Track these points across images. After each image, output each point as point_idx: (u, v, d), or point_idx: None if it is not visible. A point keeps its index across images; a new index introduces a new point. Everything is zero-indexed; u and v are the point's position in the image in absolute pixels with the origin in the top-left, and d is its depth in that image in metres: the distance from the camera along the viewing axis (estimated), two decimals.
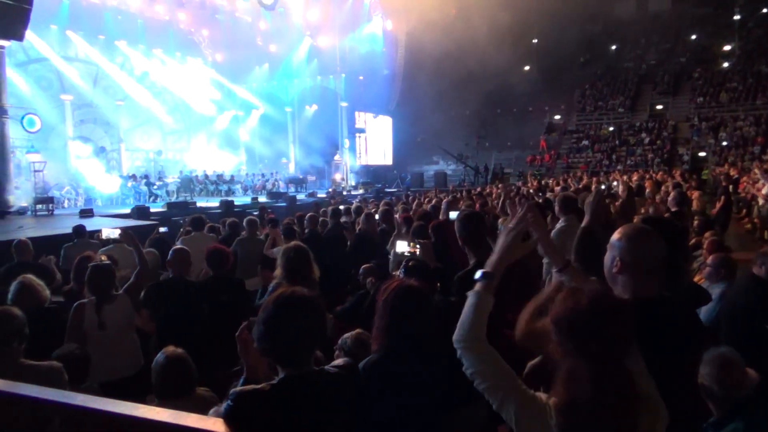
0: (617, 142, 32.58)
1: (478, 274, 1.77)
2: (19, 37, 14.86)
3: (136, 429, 1.77)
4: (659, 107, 34.29)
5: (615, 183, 14.01)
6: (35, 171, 17.82)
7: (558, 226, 4.89)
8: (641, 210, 6.57)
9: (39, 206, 15.63)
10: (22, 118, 18.70)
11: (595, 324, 1.44)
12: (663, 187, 10.86)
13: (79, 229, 7.57)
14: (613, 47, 39.84)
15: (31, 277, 3.98)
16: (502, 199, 7.86)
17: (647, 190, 10.42)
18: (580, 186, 13.17)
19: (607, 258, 1.98)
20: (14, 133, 17.63)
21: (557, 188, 13.81)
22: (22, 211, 15.51)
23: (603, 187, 14.45)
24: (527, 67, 37.24)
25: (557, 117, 36.89)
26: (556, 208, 5.24)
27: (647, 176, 18.02)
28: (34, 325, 2.94)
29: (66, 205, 18.71)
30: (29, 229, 11.50)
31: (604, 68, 38.49)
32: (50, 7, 21.30)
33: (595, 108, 36.25)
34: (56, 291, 4.98)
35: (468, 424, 2.87)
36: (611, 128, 33.80)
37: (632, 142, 32.00)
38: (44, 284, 4.04)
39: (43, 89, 22.97)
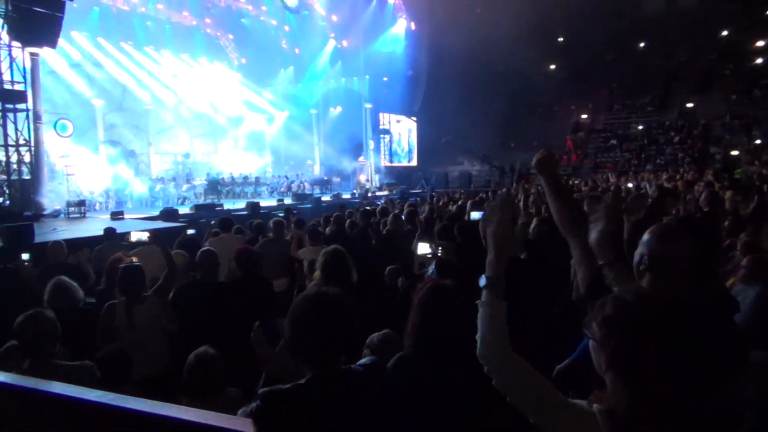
0: (646, 141, 31.98)
1: (481, 281, 1.67)
2: (52, 44, 15.26)
3: (167, 428, 1.80)
4: (689, 105, 33.56)
5: (644, 183, 13.76)
6: (68, 175, 18.29)
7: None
8: (672, 210, 6.43)
9: (72, 209, 16.01)
10: (55, 123, 19.18)
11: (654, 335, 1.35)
12: (695, 187, 10.62)
13: (109, 231, 7.72)
14: (641, 44, 39.10)
15: (65, 278, 4.07)
16: (521, 199, 7.78)
17: (679, 190, 10.20)
18: (608, 186, 12.96)
19: (636, 255, 1.95)
20: (47, 138, 18.11)
21: (584, 188, 13.61)
22: (55, 214, 15.90)
23: (630, 185, 14.20)
24: (553, 66, 36.81)
25: (584, 116, 36.38)
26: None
27: (678, 176, 17.63)
28: (68, 325, 3.00)
29: (97, 207, 19.12)
30: (63, 231, 11.78)
31: (632, 66, 37.80)
32: (81, 14, 21.82)
33: (623, 107, 35.65)
34: (89, 291, 5.08)
35: (499, 427, 2.83)
36: (640, 127, 33.20)
37: (662, 141, 31.41)
38: (78, 285, 4.13)
39: (75, 95, 23.54)
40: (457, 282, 2.55)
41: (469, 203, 7.97)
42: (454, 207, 9.20)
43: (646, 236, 1.93)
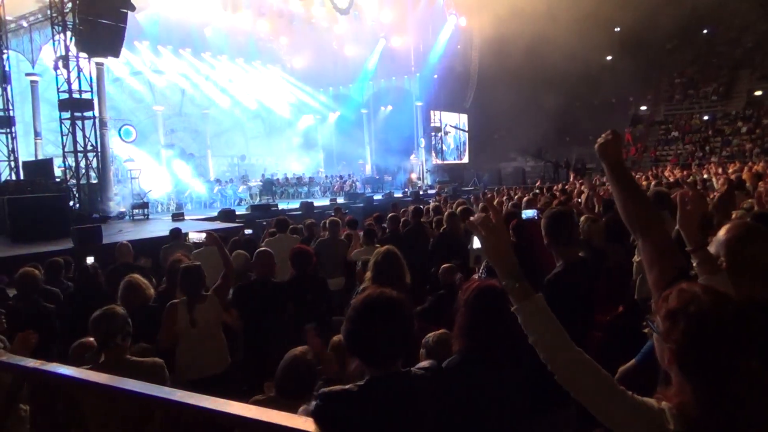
0: (710, 132, 30.53)
1: (506, 287, 1.64)
2: (116, 54, 15.99)
3: (230, 425, 1.85)
4: (758, 93, 31.77)
5: (707, 176, 13.15)
6: (132, 178, 19.12)
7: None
8: (741, 204, 6.11)
9: (136, 211, 16.74)
10: (120, 129, 20.10)
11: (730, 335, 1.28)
12: (765, 180, 10.06)
13: (175, 232, 8.03)
14: (705, 31, 37.31)
15: (137, 276, 4.25)
16: (585, 195, 7.54)
17: (747, 183, 9.68)
18: (672, 180, 12.44)
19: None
20: (113, 143, 19.02)
21: (644, 183, 13.11)
22: (121, 216, 16.67)
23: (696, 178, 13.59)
24: (609, 57, 35.63)
25: (643, 108, 35.08)
26: None
27: (746, 168, 16.74)
28: (139, 322, 3.13)
29: (159, 209, 19.89)
30: (128, 233, 12.34)
31: (695, 54, 36.14)
32: (142, 24, 22.75)
33: (684, 97, 34.15)
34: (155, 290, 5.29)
35: (555, 427, 2.78)
36: (704, 117, 31.71)
37: (727, 131, 29.90)
38: (148, 283, 4.29)
39: (137, 101, 24.58)
40: None
41: (524, 201, 7.81)
42: (509, 204, 9.05)
43: (723, 235, 1.85)
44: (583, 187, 11.64)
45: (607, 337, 2.97)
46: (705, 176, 14.52)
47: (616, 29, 35.05)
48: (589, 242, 4.58)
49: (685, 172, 16.30)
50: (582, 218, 5.17)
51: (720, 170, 14.05)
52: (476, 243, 4.79)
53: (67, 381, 2.38)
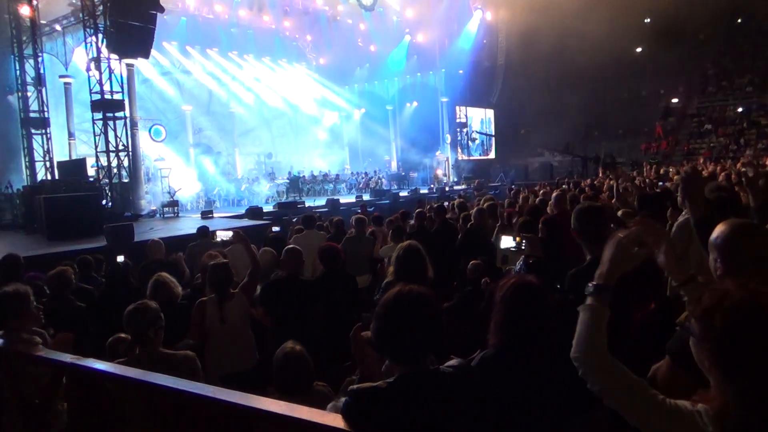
0: (745, 124, 29.66)
1: (588, 288, 1.65)
2: (146, 55, 16.30)
3: (260, 420, 1.87)
4: None
5: (744, 169, 12.76)
6: (162, 177, 19.48)
7: (680, 219, 4.52)
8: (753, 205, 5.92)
9: (166, 209, 17.05)
10: (150, 128, 20.48)
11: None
12: None
13: (202, 230, 8.15)
14: (739, 20, 36.21)
15: (165, 274, 4.33)
16: (615, 186, 7.38)
17: None
18: (706, 174, 12.11)
19: (710, 259, 1.83)
20: (143, 143, 19.40)
21: (677, 177, 12.80)
22: (151, 214, 17.01)
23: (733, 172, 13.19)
24: (639, 49, 34.88)
25: (675, 100, 34.22)
26: (678, 199, 4.84)
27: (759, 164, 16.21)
28: (167, 318, 3.20)
29: (189, 207, 20.22)
30: (159, 230, 12.58)
31: (729, 44, 35.09)
32: (170, 25, 23.11)
33: (718, 88, 33.23)
34: (186, 286, 5.38)
35: (588, 428, 2.74)
36: (739, 109, 30.83)
37: (763, 123, 29.00)
38: (176, 281, 4.37)
39: (166, 101, 25.01)
40: (545, 279, 2.48)
41: (554, 196, 7.69)
42: (537, 200, 8.94)
43: (717, 238, 1.82)
44: (611, 182, 11.43)
45: (640, 335, 2.91)
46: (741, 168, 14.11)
47: (646, 20, 34.28)
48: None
49: (718, 167, 15.87)
50: (620, 213, 5.09)
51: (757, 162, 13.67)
52: (503, 243, 4.75)
53: (103, 375, 2.45)
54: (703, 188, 3.27)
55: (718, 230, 1.82)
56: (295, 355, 2.88)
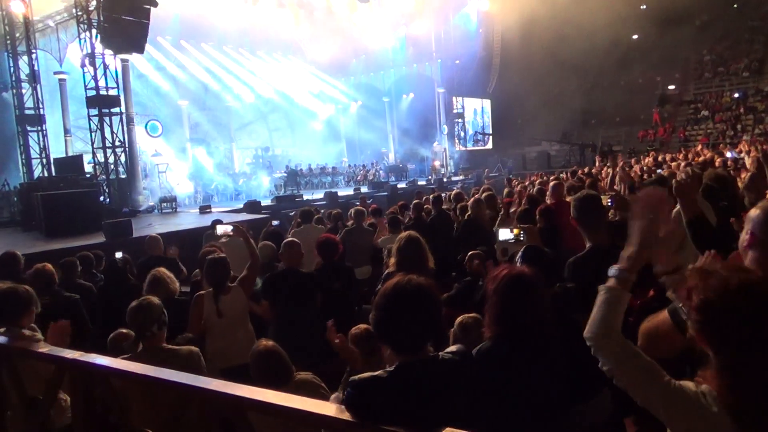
0: (742, 110, 29.65)
1: (612, 270, 1.65)
2: (140, 50, 16.21)
3: (266, 412, 1.89)
4: None
5: (742, 154, 12.78)
6: (159, 172, 19.43)
7: (677, 207, 4.53)
8: None
9: (164, 204, 17.02)
10: (146, 124, 20.42)
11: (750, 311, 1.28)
12: None
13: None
14: (734, 5, 36.08)
15: (163, 270, 4.33)
16: (612, 175, 7.39)
17: None
18: (701, 160, 12.12)
19: (743, 233, 1.85)
20: (140, 139, 19.34)
21: (674, 164, 12.80)
22: (149, 210, 16.98)
23: (729, 155, 13.22)
24: (635, 36, 34.78)
25: (671, 87, 34.18)
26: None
27: None
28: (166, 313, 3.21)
29: (186, 202, 20.18)
30: (158, 226, 12.57)
31: (725, 30, 34.98)
32: (164, 20, 22.96)
33: (714, 74, 33.19)
34: (184, 282, 5.39)
35: (588, 416, 2.76)
36: (735, 95, 30.80)
37: (760, 108, 28.99)
38: (174, 277, 4.38)
39: (162, 96, 24.90)
40: (541, 268, 2.49)
41: (551, 186, 7.70)
42: (534, 189, 8.95)
43: (753, 213, 1.82)
44: (609, 169, 11.43)
45: (638, 321, 2.94)
46: (729, 154, 14.13)
47: (642, 6, 34.19)
48: (618, 224, 4.52)
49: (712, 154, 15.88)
50: (607, 195, 5.10)
51: (752, 149, 13.65)
52: (502, 235, 4.76)
53: (106, 371, 2.46)
54: (698, 188, 3.28)
55: (760, 206, 1.83)
56: (266, 352, 2.89)
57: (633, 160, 16.82)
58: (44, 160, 17.47)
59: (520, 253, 3.16)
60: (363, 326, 2.96)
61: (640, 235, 1.67)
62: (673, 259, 1.79)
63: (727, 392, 1.31)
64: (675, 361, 1.66)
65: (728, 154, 13.80)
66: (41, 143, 17.50)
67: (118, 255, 6.56)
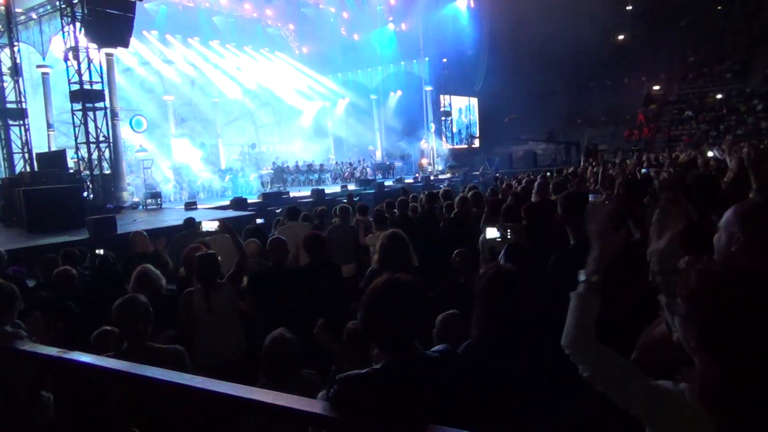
0: (725, 110, 30.04)
1: (580, 276, 1.68)
2: (125, 44, 16.03)
3: (250, 410, 1.89)
4: None
5: (719, 152, 12.91)
6: (144, 168, 19.25)
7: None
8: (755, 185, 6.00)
9: (149, 201, 16.87)
10: (131, 119, 20.21)
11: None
12: None
13: (189, 221, 8.10)
14: (719, 7, 36.51)
15: (149, 266, 4.30)
16: (601, 172, 7.43)
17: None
18: (685, 160, 12.24)
19: (721, 237, 1.84)
20: (124, 134, 19.14)
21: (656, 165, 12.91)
22: (134, 206, 16.83)
23: (711, 154, 13.38)
24: (621, 36, 35.10)
25: (656, 87, 34.54)
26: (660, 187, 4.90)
27: (762, 146, 16.44)
28: (153, 311, 3.19)
29: (172, 198, 20.04)
30: (142, 222, 12.46)
31: (709, 31, 35.39)
32: (150, 14, 22.75)
33: (698, 75, 33.59)
34: (169, 278, 5.35)
35: (574, 414, 2.79)
36: (718, 96, 31.20)
37: (743, 110, 29.40)
38: (160, 273, 4.35)
39: (147, 91, 24.66)
40: (530, 267, 2.51)
41: (537, 184, 7.74)
42: (519, 188, 9.00)
43: (732, 216, 1.82)
44: (595, 168, 11.52)
45: (625, 321, 2.97)
46: (711, 153, 14.28)
47: (628, 7, 34.51)
48: None
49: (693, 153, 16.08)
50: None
51: (733, 149, 13.84)
52: (489, 234, 4.76)
53: (90, 369, 2.43)
54: (681, 186, 3.33)
55: (745, 206, 1.84)
56: (283, 341, 2.90)
57: (617, 159, 16.99)
58: (26, 155, 17.23)
59: (502, 252, 3.18)
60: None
61: (599, 239, 1.71)
62: (672, 261, 1.83)
63: (714, 391, 1.31)
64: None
65: (710, 154, 13.96)
66: (23, 137, 17.26)
67: (99, 252, 6.48)
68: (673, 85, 34.12)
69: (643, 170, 11.43)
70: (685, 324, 1.37)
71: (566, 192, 3.36)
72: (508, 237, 4.30)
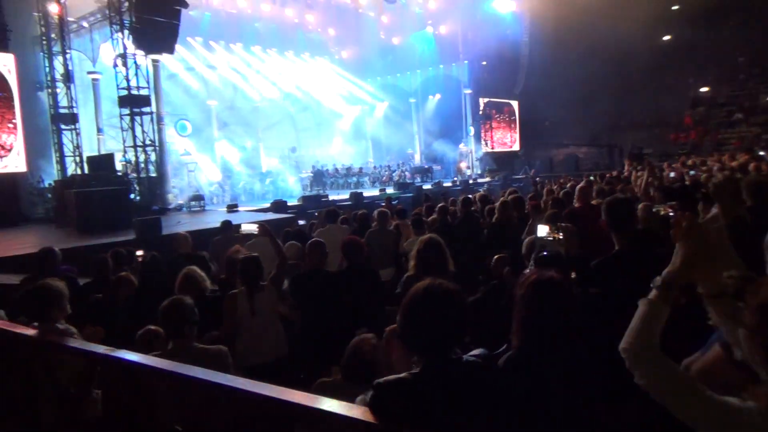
0: None
1: (655, 281, 1.62)
2: (171, 50, 16.53)
3: (289, 412, 1.91)
4: None
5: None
6: (189, 171, 19.74)
7: (711, 214, 4.41)
8: None
9: (192, 203, 17.29)
10: (176, 123, 20.76)
11: None
12: None
13: (225, 224, 8.23)
14: None
15: (194, 268, 4.41)
16: (645, 180, 7.22)
17: None
18: (735, 165, 11.81)
19: None
20: (170, 138, 19.68)
21: (705, 169, 12.48)
22: (178, 208, 17.28)
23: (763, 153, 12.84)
24: (667, 37, 34.08)
25: (704, 89, 33.42)
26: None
27: None
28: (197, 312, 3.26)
29: (214, 201, 20.47)
30: (186, 224, 12.77)
31: (762, 30, 33.98)
32: (194, 21, 23.34)
33: (750, 76, 32.33)
34: (212, 281, 5.46)
35: (614, 426, 2.72)
36: None
37: None
38: (204, 275, 4.44)
39: (192, 96, 25.29)
40: (562, 273, 2.44)
41: (578, 188, 7.59)
42: (561, 193, 8.83)
43: None
44: (639, 173, 11.21)
45: (670, 328, 2.89)
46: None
47: (674, 7, 33.47)
48: (647, 230, 4.42)
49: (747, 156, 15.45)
50: (640, 206, 4.99)
51: None
52: (540, 231, 4.62)
53: (135, 367, 2.51)
54: (735, 191, 3.21)
55: None
56: (363, 345, 2.87)
57: (665, 164, 16.49)
58: (77, 158, 17.88)
59: (532, 258, 3.12)
60: None
61: (684, 255, 1.63)
62: (716, 283, 1.72)
63: None
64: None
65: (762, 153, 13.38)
66: (74, 141, 17.93)
67: (139, 253, 6.64)
68: (721, 87, 32.95)
69: (691, 172, 11.06)
70: (753, 336, 1.32)
71: (611, 197, 3.27)
72: (560, 237, 4.13)
